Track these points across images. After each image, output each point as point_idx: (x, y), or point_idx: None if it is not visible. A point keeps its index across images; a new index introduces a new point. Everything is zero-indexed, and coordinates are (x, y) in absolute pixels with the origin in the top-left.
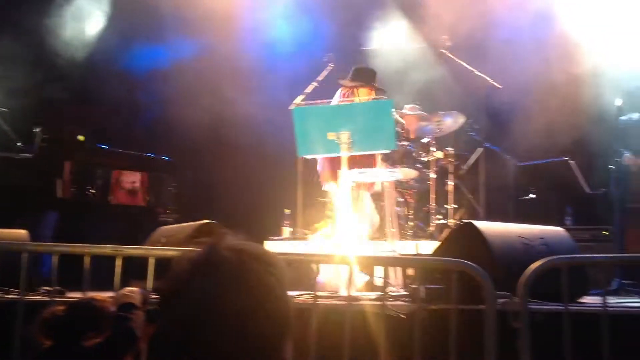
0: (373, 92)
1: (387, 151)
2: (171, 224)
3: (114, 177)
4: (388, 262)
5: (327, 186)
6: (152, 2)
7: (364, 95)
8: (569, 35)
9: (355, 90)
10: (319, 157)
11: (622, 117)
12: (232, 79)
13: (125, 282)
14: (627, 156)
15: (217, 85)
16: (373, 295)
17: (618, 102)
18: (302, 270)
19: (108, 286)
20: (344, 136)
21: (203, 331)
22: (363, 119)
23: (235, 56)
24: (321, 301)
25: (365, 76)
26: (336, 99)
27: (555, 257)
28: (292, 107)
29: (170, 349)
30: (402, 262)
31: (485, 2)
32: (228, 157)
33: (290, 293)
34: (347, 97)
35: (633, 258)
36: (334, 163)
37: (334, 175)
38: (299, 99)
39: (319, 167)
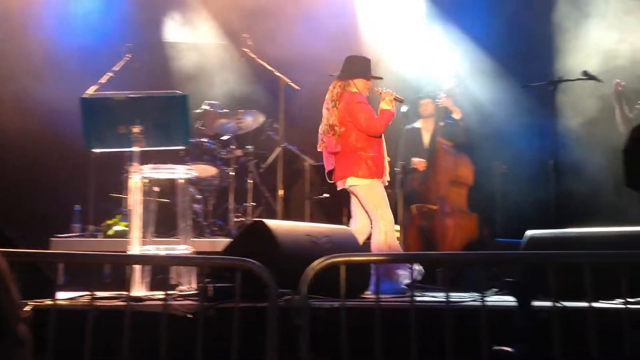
0: (369, 82)
1: (182, 147)
2: None
3: None
4: (173, 261)
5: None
6: None
7: (361, 86)
8: (366, 44)
9: (352, 81)
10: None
11: (407, 126)
12: (19, 66)
13: None
14: (415, 161)
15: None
16: (160, 294)
17: (404, 109)
18: (91, 270)
19: None
20: (136, 130)
21: None
22: (156, 114)
23: (25, 42)
24: (102, 303)
25: (360, 67)
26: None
27: (334, 254)
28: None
29: None
30: (187, 261)
31: (288, 5)
32: (11, 147)
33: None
34: (343, 88)
35: (403, 255)
36: None
37: None
38: (92, 89)
39: None
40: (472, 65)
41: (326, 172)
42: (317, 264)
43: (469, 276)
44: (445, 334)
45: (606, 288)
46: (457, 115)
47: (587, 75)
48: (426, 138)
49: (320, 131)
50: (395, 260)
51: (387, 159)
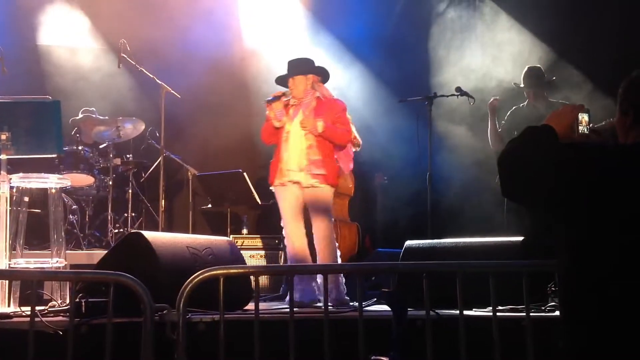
0: (311, 77)
1: (53, 155)
2: None
3: None
4: (42, 275)
5: None
6: None
7: (300, 84)
8: (248, 52)
9: (293, 80)
10: None
11: None
12: None
13: None
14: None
15: None
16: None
17: None
18: None
19: None
20: (3, 137)
21: None
22: (26, 120)
23: None
24: None
25: (298, 67)
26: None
27: (212, 267)
28: None
29: None
30: (56, 275)
31: (167, 10)
32: None
33: None
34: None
35: (281, 267)
36: None
37: None
38: None
39: None
40: (351, 78)
41: None
42: (196, 276)
43: (349, 286)
44: (325, 344)
45: (478, 296)
46: None
47: (460, 92)
48: None
49: None
50: (275, 272)
51: (284, 163)
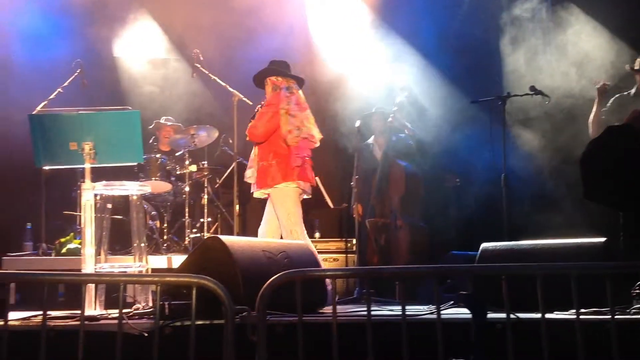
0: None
1: (134, 163)
2: None
3: None
4: (127, 279)
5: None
6: None
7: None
8: (318, 57)
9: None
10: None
11: (362, 142)
12: None
13: None
14: (353, 182)
15: None
16: (115, 313)
17: (357, 123)
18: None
19: None
20: (87, 146)
21: None
22: (108, 130)
23: None
24: (56, 322)
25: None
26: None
27: (290, 270)
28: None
29: None
30: (141, 279)
31: (240, 19)
32: None
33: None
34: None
35: (358, 270)
36: None
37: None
38: (41, 106)
39: None
40: (420, 79)
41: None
42: (274, 280)
43: (425, 289)
44: (403, 347)
45: (559, 299)
46: (406, 131)
47: (535, 91)
48: (378, 154)
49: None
50: (351, 275)
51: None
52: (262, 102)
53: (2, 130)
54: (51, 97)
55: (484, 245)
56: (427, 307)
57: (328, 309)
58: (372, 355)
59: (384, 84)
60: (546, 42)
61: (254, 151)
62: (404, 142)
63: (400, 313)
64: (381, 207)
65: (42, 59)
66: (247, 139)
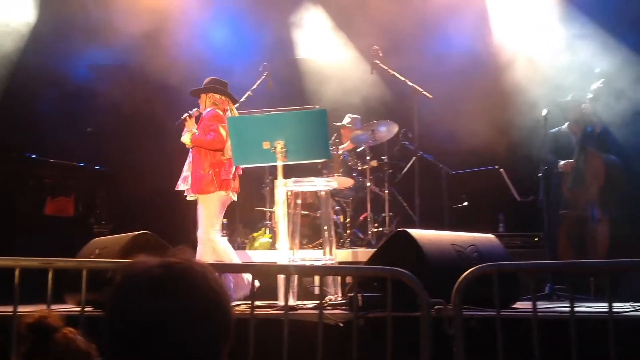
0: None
1: (322, 160)
2: (106, 234)
3: (44, 188)
4: (325, 271)
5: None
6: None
7: (202, 103)
8: (499, 48)
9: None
10: (254, 166)
11: (553, 130)
12: (163, 91)
13: (57, 296)
14: (561, 163)
15: (149, 95)
16: (311, 304)
17: (544, 112)
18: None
19: (39, 300)
20: (279, 145)
21: (159, 336)
22: (297, 129)
23: (167, 67)
24: (259, 311)
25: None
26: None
27: (486, 264)
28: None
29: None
30: (338, 271)
31: (417, 12)
32: (165, 166)
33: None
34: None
35: (559, 264)
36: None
37: (223, 184)
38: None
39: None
40: (620, 65)
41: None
42: (469, 273)
43: (629, 285)
44: (609, 344)
45: None
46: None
47: None
48: (573, 141)
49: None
50: (548, 268)
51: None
52: (192, 111)
53: None
54: (242, 99)
55: None
56: (629, 304)
57: (520, 304)
58: (575, 352)
59: (576, 71)
60: None
61: (189, 159)
62: (598, 133)
63: (606, 310)
64: (575, 198)
65: (232, 64)
66: (189, 146)
